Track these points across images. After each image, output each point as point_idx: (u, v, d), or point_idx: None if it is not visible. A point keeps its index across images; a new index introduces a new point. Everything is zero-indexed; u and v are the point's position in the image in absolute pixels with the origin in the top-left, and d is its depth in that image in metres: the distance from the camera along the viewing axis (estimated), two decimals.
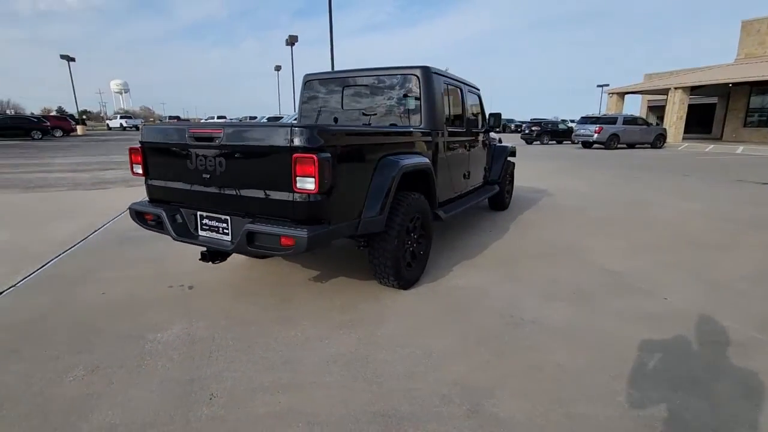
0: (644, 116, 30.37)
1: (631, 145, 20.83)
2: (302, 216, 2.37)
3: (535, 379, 2.19)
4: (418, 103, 3.69)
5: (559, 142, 25.17)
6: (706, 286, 3.43)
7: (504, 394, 2.07)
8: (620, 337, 2.61)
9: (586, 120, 20.93)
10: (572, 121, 28.50)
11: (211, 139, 2.53)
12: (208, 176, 2.62)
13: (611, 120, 20.30)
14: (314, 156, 2.22)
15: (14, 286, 3.40)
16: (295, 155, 2.26)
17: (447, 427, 1.84)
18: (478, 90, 5.10)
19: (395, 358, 2.39)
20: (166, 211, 2.81)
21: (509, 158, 6.29)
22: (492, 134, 6.60)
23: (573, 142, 22.83)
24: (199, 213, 2.76)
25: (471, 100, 4.83)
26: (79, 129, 33.05)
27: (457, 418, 1.90)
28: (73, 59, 36.68)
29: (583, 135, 20.39)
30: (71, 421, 1.87)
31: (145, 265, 3.88)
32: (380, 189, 2.82)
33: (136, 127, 43.24)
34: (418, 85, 3.68)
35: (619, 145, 20.11)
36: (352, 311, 2.97)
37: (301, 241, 2.27)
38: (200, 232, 2.78)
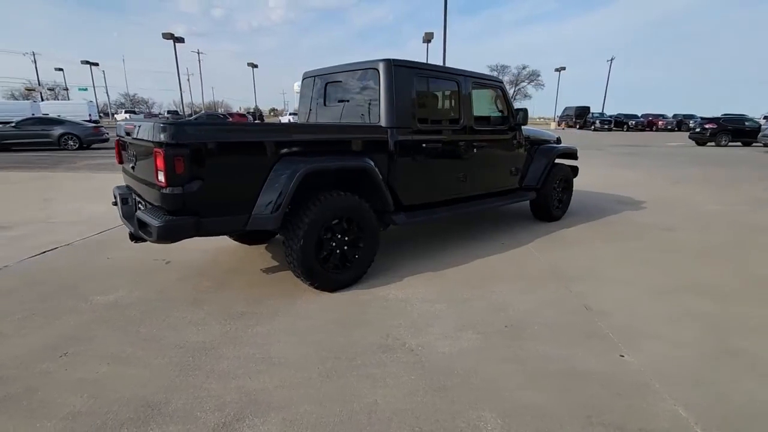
0: None
1: None
2: (167, 207, 2.55)
3: (330, 410, 1.94)
4: (377, 98, 3.48)
5: (747, 144, 19.78)
6: (711, 350, 2.43)
7: (275, 418, 1.90)
8: (493, 392, 2.09)
9: None
10: None
11: (130, 134, 2.90)
12: (133, 166, 3.00)
13: None
14: (162, 151, 2.36)
15: (69, 244, 4.44)
16: (154, 149, 2.44)
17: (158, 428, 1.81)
18: (498, 83, 4.45)
19: (228, 356, 2.38)
20: (121, 195, 3.31)
21: (562, 161, 5.35)
22: (549, 131, 5.75)
23: (764, 145, 17.71)
24: (137, 198, 3.18)
25: (480, 96, 4.28)
26: None
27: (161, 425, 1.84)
28: (256, 66, 44.05)
29: None
30: None
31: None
32: (276, 187, 2.79)
33: None
34: (377, 80, 3.47)
35: None
36: (257, 305, 3.03)
37: (152, 230, 2.45)
38: (137, 215, 3.20)
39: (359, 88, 3.70)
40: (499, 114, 4.54)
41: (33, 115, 23.12)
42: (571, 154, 5.50)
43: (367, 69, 3.59)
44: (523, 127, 4.85)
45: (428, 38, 26.14)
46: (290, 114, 56.25)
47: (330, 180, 3.19)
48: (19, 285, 3.39)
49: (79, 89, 57.85)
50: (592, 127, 36.15)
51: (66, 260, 3.97)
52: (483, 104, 4.43)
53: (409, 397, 2.04)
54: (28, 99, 45.44)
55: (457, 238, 4.70)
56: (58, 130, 15.37)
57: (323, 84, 4.12)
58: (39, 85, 61.92)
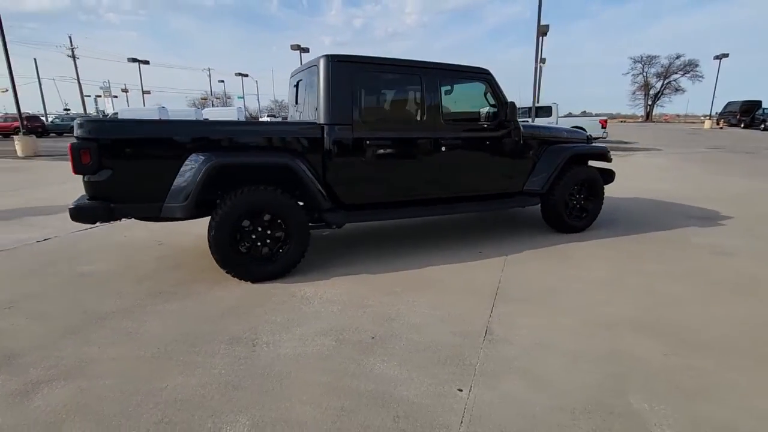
0: None
1: None
2: (87, 192, 2.96)
3: (123, 387, 2.07)
4: (316, 96, 3.46)
5: None
6: (582, 404, 1.89)
7: (73, 385, 2.10)
8: (276, 400, 1.98)
9: None
10: None
11: None
12: None
13: None
14: (71, 144, 2.76)
15: (112, 224, 5.37)
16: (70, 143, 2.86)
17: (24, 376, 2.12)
18: (482, 74, 3.94)
19: (108, 326, 2.67)
20: None
21: (592, 163, 4.55)
22: (574, 128, 4.97)
23: None
24: None
25: (459, 90, 3.90)
26: None
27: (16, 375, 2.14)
28: None
29: None
30: None
31: (182, 223, 5.21)
32: (186, 179, 3.01)
33: None
34: (318, 77, 3.45)
35: None
36: (182, 287, 3.30)
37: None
38: None
39: (311, 86, 3.73)
40: (486, 109, 4.07)
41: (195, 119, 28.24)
42: (599, 156, 4.63)
43: (313, 66, 3.60)
44: (535, 123, 4.27)
45: (544, 31, 24.17)
46: (268, 115, 56.24)
47: (256, 175, 3.30)
48: (48, 251, 4.26)
49: (238, 97, 69.16)
50: (762, 126, 29.15)
51: (97, 236, 4.83)
52: (462, 99, 4.04)
53: (197, 389, 2.04)
54: (204, 107, 56.82)
55: (432, 241, 4.37)
56: None
57: (295, 83, 4.24)
58: (211, 94, 75.96)
